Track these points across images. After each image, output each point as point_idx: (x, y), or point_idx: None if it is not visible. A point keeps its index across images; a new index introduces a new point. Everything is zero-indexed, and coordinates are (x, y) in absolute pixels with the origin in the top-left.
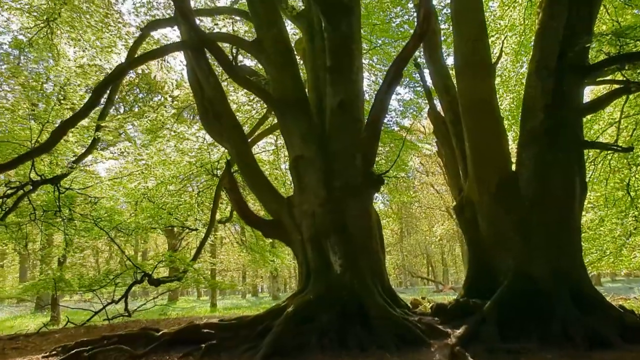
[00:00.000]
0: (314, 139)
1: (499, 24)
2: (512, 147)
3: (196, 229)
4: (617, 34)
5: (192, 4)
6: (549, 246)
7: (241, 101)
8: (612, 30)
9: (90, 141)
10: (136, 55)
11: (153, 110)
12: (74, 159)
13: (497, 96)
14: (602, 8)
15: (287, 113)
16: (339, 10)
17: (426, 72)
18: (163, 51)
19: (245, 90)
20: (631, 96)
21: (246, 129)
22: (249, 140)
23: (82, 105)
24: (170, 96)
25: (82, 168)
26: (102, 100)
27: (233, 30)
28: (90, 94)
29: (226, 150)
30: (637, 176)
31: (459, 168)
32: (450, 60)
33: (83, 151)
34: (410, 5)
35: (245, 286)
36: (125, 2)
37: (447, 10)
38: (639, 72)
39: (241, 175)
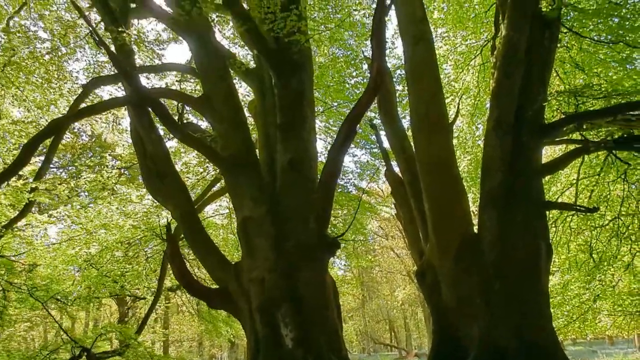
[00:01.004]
0: (263, 199)
1: (454, 86)
2: (473, 209)
3: (144, 298)
4: (573, 92)
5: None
6: (516, 313)
7: (192, 162)
8: (567, 89)
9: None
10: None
11: (91, 170)
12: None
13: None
14: (553, 73)
15: (235, 172)
16: (290, 67)
17: (382, 133)
18: (103, 107)
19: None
20: (587, 157)
21: (198, 190)
22: (200, 202)
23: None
24: (110, 155)
25: (17, 233)
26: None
27: (180, 87)
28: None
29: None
30: (600, 238)
31: (418, 231)
32: (406, 122)
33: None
34: (365, 67)
35: (202, 358)
36: (70, 59)
37: (401, 71)
38: (597, 132)
39: (186, 240)
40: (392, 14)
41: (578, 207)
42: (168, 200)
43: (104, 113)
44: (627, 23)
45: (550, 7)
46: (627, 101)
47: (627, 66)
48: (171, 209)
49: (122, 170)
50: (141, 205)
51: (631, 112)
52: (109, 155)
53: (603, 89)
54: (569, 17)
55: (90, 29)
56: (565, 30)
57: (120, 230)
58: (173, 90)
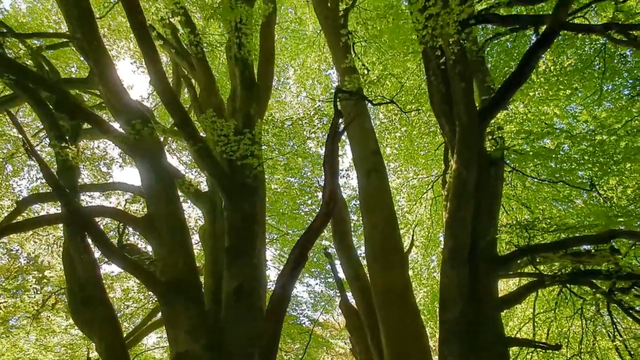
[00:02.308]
0: (203, 331)
1: (407, 217)
2: (431, 343)
3: None
4: (523, 225)
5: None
6: None
7: (134, 289)
8: (518, 222)
9: None
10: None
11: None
12: None
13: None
14: (501, 209)
15: (172, 299)
16: (242, 190)
17: (337, 262)
18: (33, 223)
19: None
20: (541, 292)
21: (137, 320)
22: (138, 333)
23: None
24: (34, 277)
25: None
26: None
27: (125, 207)
28: None
29: None
30: None
31: None
32: (361, 252)
33: None
34: (319, 195)
35: None
36: (16, 177)
37: (356, 202)
38: (550, 266)
39: None
40: (348, 148)
41: (541, 345)
42: (93, 331)
43: (44, 234)
44: (565, 165)
45: (494, 148)
46: (575, 236)
47: (569, 204)
48: (96, 341)
49: (57, 296)
50: (69, 336)
51: (579, 247)
52: (32, 277)
53: (552, 223)
54: (512, 157)
55: (24, 140)
56: (509, 169)
57: None
58: (113, 209)
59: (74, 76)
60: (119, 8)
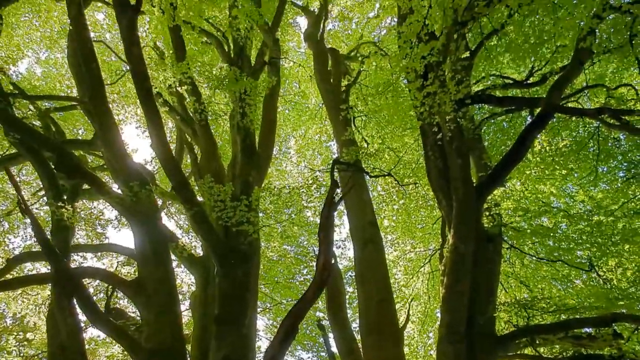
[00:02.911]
0: None
1: (404, 291)
2: None
3: None
4: (522, 304)
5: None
6: None
7: (119, 356)
8: (517, 300)
9: None
10: None
11: None
12: None
13: None
14: (499, 286)
15: None
16: (236, 257)
17: (331, 335)
18: (20, 282)
19: None
20: None
21: None
22: None
23: None
24: (15, 339)
25: None
26: None
27: (117, 269)
28: None
29: None
30: None
31: None
32: (356, 324)
33: None
34: (315, 264)
35: None
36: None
37: (352, 273)
38: (551, 348)
39: None
40: (345, 219)
41: None
42: None
43: (32, 294)
44: (563, 244)
45: (491, 224)
46: (576, 318)
47: (568, 284)
48: None
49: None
50: None
51: (580, 330)
52: (14, 339)
53: (552, 303)
54: (510, 234)
55: (19, 198)
56: (507, 246)
57: None
58: (104, 271)
59: (80, 137)
60: (129, 75)
